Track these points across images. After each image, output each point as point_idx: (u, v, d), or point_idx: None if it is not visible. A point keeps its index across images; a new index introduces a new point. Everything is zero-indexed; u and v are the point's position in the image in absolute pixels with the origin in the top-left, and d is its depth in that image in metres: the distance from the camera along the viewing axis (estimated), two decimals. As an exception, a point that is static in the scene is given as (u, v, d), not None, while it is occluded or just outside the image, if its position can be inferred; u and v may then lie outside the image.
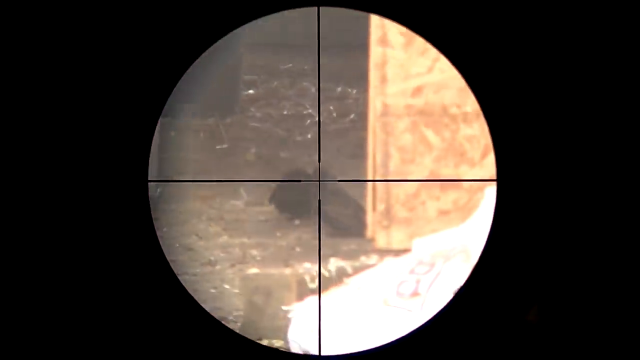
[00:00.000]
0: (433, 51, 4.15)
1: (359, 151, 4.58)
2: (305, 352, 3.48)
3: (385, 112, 4.21)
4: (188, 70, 5.46)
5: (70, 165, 3.08)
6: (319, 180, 4.26)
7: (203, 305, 3.17)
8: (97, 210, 3.06)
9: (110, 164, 3.07)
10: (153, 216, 3.15)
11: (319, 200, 4.11)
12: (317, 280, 3.95)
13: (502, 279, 3.05)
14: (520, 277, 3.04)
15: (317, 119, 5.59)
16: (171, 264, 3.17)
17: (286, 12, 6.38)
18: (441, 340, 3.05)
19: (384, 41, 4.18)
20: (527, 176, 3.02)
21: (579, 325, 3.04)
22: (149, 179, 3.13)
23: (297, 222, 4.58)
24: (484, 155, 4.19)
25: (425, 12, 3.05)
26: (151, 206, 3.21)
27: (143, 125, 3.08)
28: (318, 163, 4.16)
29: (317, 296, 3.50)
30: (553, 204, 3.02)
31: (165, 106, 4.83)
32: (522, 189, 3.01)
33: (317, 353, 3.36)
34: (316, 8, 3.26)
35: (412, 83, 4.19)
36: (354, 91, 5.73)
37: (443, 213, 4.20)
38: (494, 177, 3.02)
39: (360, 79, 4.60)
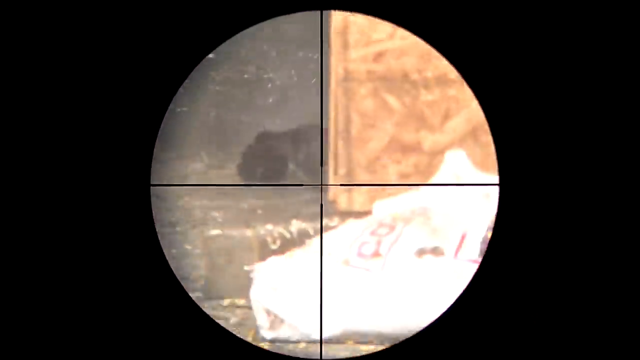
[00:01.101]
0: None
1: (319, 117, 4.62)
2: (267, 311, 3.52)
3: (347, 77, 4.25)
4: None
5: (72, 169, 3.05)
6: (322, 185, 4.30)
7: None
8: (99, 215, 3.04)
9: (112, 168, 3.04)
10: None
11: (321, 205, 4.15)
12: (278, 242, 3.98)
13: (504, 281, 3.08)
14: (523, 279, 3.06)
15: (278, 83, 5.61)
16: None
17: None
18: (443, 341, 3.08)
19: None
20: (529, 180, 3.02)
21: (580, 326, 3.08)
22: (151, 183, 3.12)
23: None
24: (444, 121, 4.24)
25: (431, 17, 3.05)
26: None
27: (145, 128, 3.06)
28: (321, 167, 4.19)
29: (319, 300, 3.53)
30: (555, 207, 3.03)
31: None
32: (525, 192, 3.02)
33: (318, 357, 3.41)
34: (319, 12, 3.27)
35: (373, 49, 4.23)
36: (315, 56, 5.76)
37: (404, 176, 4.25)
38: (497, 182, 3.02)
39: (322, 43, 4.62)
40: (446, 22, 3.08)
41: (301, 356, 3.36)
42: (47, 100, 3.03)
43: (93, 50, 3.02)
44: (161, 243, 3.18)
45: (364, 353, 3.29)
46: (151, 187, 3.07)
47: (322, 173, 4.23)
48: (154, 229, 3.07)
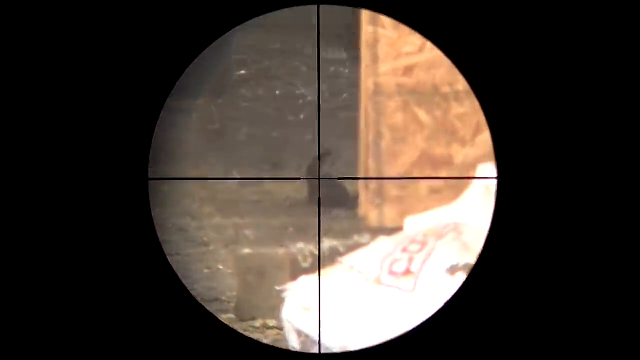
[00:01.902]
0: (424, 30, 4.16)
1: (351, 130, 4.59)
2: (299, 332, 3.49)
3: (377, 91, 4.21)
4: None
5: (69, 163, 3.06)
6: (319, 179, 4.28)
7: (194, 287, 3.17)
8: (97, 209, 3.05)
9: (111, 162, 3.05)
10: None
11: (319, 198, 4.12)
12: (309, 260, 3.96)
13: (502, 277, 3.04)
14: (521, 275, 3.03)
15: (309, 99, 5.59)
16: (163, 245, 3.17)
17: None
18: (440, 338, 3.06)
19: (375, 20, 4.18)
20: (527, 174, 3.01)
21: (578, 325, 3.04)
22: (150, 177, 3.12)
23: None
24: (475, 134, 4.20)
25: (425, 10, 3.04)
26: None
27: (143, 122, 3.06)
28: (318, 161, 4.17)
29: (318, 299, 3.50)
30: (554, 202, 3.02)
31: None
32: (523, 186, 3.00)
33: (317, 351, 3.38)
34: (316, 6, 3.26)
35: (404, 62, 4.19)
36: (346, 71, 5.73)
37: (435, 191, 4.21)
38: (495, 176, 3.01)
39: (353, 58, 4.60)
40: (442, 15, 3.06)
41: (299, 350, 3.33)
42: (44, 96, 3.04)
43: (90, 45, 3.04)
44: (192, 264, 3.18)
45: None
46: (149, 181, 3.09)
47: (320, 166, 4.20)
48: (152, 223, 3.07)
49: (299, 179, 4.59)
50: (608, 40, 3.02)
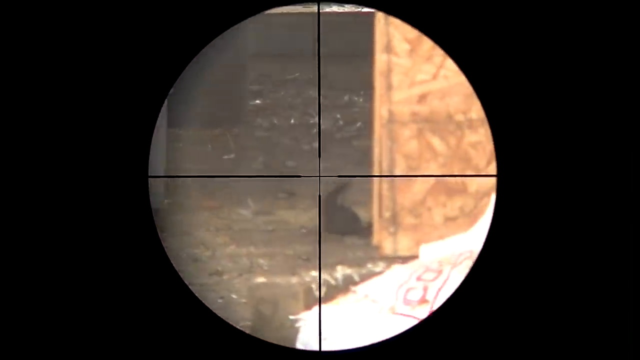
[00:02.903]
0: (438, 58, 4.15)
1: (365, 159, 4.57)
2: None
3: (391, 119, 4.20)
4: (195, 81, 5.45)
5: (69, 161, 3.07)
6: (319, 176, 4.26)
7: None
8: (98, 207, 3.05)
9: (111, 160, 3.05)
10: (159, 226, 3.15)
11: (319, 196, 4.11)
12: (324, 289, 3.93)
13: (501, 276, 3.03)
14: (521, 273, 3.03)
15: (324, 127, 5.58)
16: (180, 274, 3.16)
17: (291, 20, 6.38)
18: (441, 336, 3.04)
19: (388, 48, 4.17)
20: (528, 173, 3.00)
21: (579, 323, 3.02)
22: (150, 174, 3.12)
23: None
24: (489, 162, 4.18)
25: (423, 7, 3.04)
26: (158, 217, 3.20)
27: (143, 120, 3.07)
28: (318, 158, 4.16)
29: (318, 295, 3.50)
30: (554, 201, 3.01)
31: (172, 117, 4.84)
32: (523, 185, 3.00)
33: (317, 349, 3.36)
34: (316, 4, 3.26)
35: (417, 90, 4.18)
36: (360, 99, 5.73)
37: (449, 219, 4.18)
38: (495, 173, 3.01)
39: (366, 86, 4.59)
40: (440, 10, 3.06)
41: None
42: (44, 94, 3.05)
43: (90, 43, 3.05)
44: (206, 294, 3.17)
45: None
46: (149, 178, 3.09)
47: (320, 164, 4.19)
48: (152, 219, 3.07)
49: (299, 176, 4.58)
50: (607, 41, 3.02)
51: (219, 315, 3.19)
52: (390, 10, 3.11)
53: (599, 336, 3.02)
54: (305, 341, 3.50)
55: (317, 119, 5.68)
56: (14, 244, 3.06)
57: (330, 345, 3.44)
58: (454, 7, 3.05)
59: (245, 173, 5.38)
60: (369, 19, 4.32)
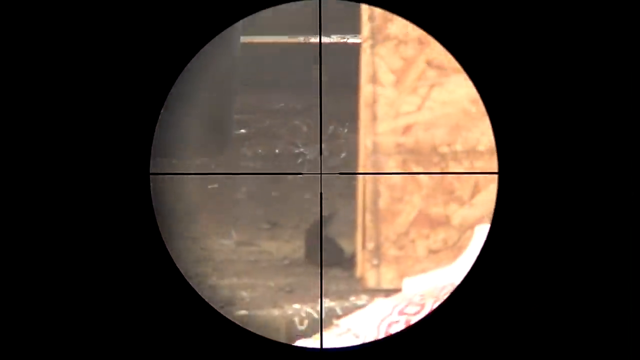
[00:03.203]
0: (423, 89, 4.13)
1: (349, 191, 4.55)
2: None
3: (376, 150, 4.17)
4: (179, 111, 5.42)
5: (70, 159, 3.07)
6: (320, 174, 4.24)
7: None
8: (98, 204, 3.05)
9: (112, 157, 3.05)
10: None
11: (321, 194, 4.09)
12: (306, 322, 3.90)
13: (502, 275, 3.02)
14: (522, 272, 3.02)
15: (309, 157, 5.56)
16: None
17: (274, 50, 6.35)
18: (442, 334, 3.05)
19: (374, 79, 4.16)
20: (529, 170, 3.00)
21: (580, 324, 3.01)
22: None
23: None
24: (473, 194, 4.15)
25: (426, 5, 3.03)
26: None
27: (145, 116, 3.06)
28: (320, 156, 4.15)
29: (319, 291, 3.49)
30: (556, 198, 3.01)
31: (156, 147, 4.79)
32: (524, 183, 3.00)
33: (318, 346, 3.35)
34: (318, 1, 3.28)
35: (402, 121, 4.16)
36: (345, 130, 5.71)
37: (433, 252, 4.16)
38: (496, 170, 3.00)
39: (351, 117, 4.58)
40: (443, 7, 3.06)
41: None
42: (45, 92, 3.05)
43: (91, 41, 3.05)
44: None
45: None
46: (150, 175, 3.09)
47: (321, 162, 4.17)
48: (154, 219, 3.06)
49: (300, 174, 4.56)
50: (610, 38, 3.02)
51: (223, 313, 3.19)
52: (392, 9, 3.10)
53: (601, 339, 3.01)
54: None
55: (302, 149, 5.67)
56: (12, 241, 3.05)
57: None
58: (457, 5, 3.04)
59: (229, 203, 5.35)
60: (355, 50, 4.31)
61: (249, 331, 3.24)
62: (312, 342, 3.53)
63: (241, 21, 6.21)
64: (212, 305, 3.23)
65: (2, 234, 3.02)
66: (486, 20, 3.03)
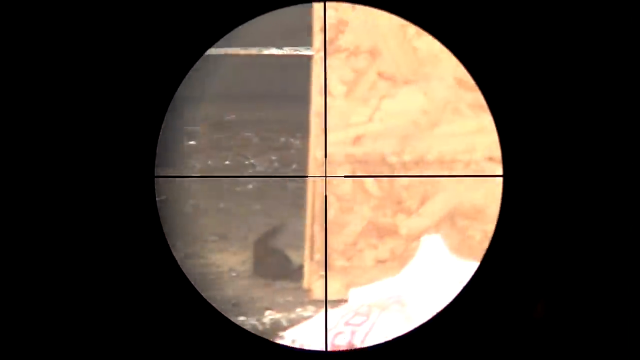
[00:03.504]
0: (374, 101, 4.12)
1: (299, 201, 4.52)
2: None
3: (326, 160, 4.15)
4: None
5: (76, 161, 3.05)
6: (325, 176, 4.21)
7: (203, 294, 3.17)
8: (102, 207, 3.03)
9: (117, 160, 3.04)
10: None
11: (325, 196, 4.07)
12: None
13: (507, 275, 3.03)
14: (526, 274, 3.02)
15: (258, 169, 5.53)
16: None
17: (232, 62, 6.33)
18: (447, 336, 3.05)
19: (324, 90, 4.14)
20: (533, 171, 3.00)
21: (585, 323, 3.00)
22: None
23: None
24: (421, 204, 4.14)
25: (425, 4, 3.02)
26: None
27: (150, 119, 3.05)
28: (324, 158, 4.12)
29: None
30: (560, 200, 3.01)
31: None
32: (529, 185, 3.00)
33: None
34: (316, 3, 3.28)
35: (352, 132, 4.14)
36: (297, 141, 5.68)
37: (380, 262, 4.13)
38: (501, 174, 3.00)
39: (302, 128, 4.56)
40: (448, 10, 3.05)
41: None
42: (50, 94, 3.04)
43: (97, 42, 3.05)
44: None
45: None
46: (155, 178, 3.09)
47: (326, 165, 4.15)
48: (159, 220, 3.05)
49: (305, 176, 4.53)
50: (612, 40, 3.02)
51: (226, 315, 3.17)
52: (391, 9, 3.08)
53: (603, 339, 3.01)
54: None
55: (252, 160, 5.64)
56: (18, 241, 3.02)
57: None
58: (458, 5, 3.04)
59: (178, 216, 5.30)
60: (307, 62, 4.29)
61: (253, 334, 3.24)
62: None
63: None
64: (215, 307, 3.23)
65: (8, 234, 3.02)
66: (491, 24, 3.02)
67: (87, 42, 3.03)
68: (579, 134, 3.03)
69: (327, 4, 3.94)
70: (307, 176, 4.56)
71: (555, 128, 3.04)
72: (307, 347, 3.47)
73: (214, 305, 3.30)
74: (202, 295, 3.19)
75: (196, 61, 3.11)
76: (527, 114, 3.04)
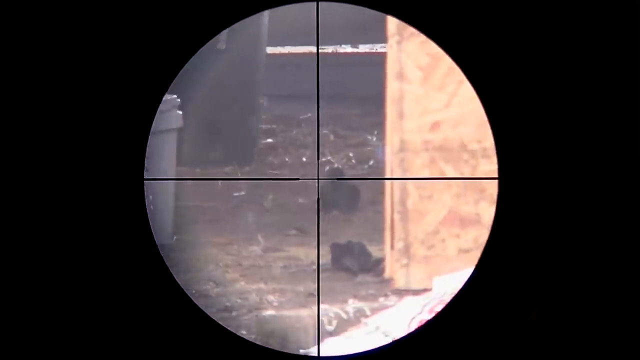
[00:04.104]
0: (451, 86, 4.09)
1: (377, 189, 4.52)
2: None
3: (403, 147, 4.12)
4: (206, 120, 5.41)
5: (65, 163, 3.05)
6: (318, 179, 4.21)
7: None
8: (93, 209, 3.03)
9: (107, 162, 3.04)
10: (168, 264, 3.12)
11: (318, 199, 4.06)
12: (334, 322, 3.85)
13: (504, 278, 2.99)
14: (523, 276, 2.98)
15: (336, 166, 5.53)
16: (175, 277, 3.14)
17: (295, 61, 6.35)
18: (443, 340, 2.99)
19: (400, 76, 4.11)
20: (529, 174, 2.97)
21: (582, 325, 2.97)
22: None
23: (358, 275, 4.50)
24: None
25: (424, 8, 3.00)
26: (166, 254, 3.16)
27: (139, 122, 3.05)
28: (317, 161, 4.12)
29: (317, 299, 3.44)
30: (556, 203, 2.97)
31: (183, 154, 4.79)
32: (524, 187, 2.96)
33: (316, 354, 3.30)
34: (315, 4, 3.26)
35: (430, 118, 4.11)
36: (374, 138, 5.68)
37: (463, 251, 4.09)
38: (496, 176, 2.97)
39: (379, 124, 4.55)
40: (444, 13, 3.03)
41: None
42: (41, 96, 3.04)
43: (86, 45, 3.04)
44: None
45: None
46: (145, 181, 3.08)
47: (318, 167, 4.14)
48: (147, 222, 3.05)
49: (297, 179, 4.53)
50: (608, 41, 2.99)
51: (219, 322, 3.16)
52: (391, 11, 3.07)
53: (604, 340, 2.97)
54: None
55: (329, 157, 5.65)
56: (7, 244, 3.04)
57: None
58: (458, 9, 3.02)
59: (255, 211, 5.33)
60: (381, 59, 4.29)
61: (249, 341, 3.23)
62: (341, 340, 3.49)
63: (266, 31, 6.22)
64: (206, 312, 3.23)
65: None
66: (487, 27, 3.00)
67: (76, 44, 3.01)
68: (576, 138, 2.98)
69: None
70: (298, 179, 4.55)
71: (552, 131, 2.99)
72: (391, 333, 3.45)
73: (205, 311, 3.30)
74: (192, 301, 3.19)
75: (186, 63, 3.09)
76: (523, 116, 3.00)
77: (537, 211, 2.99)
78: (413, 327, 3.44)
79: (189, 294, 3.09)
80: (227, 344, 3.07)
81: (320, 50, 6.44)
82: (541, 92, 3.00)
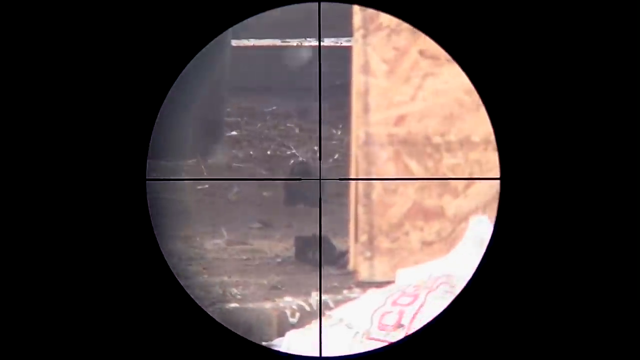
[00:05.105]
0: (416, 80, 4.09)
1: (342, 189, 4.52)
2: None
3: (368, 141, 4.13)
4: (171, 114, 5.41)
5: (66, 164, 3.05)
6: (320, 179, 4.22)
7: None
8: (94, 210, 3.03)
9: (108, 163, 3.04)
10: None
11: (320, 199, 4.08)
12: (297, 315, 3.86)
13: (505, 277, 3.03)
14: (525, 276, 2.99)
15: (300, 159, 5.53)
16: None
17: (261, 53, 6.33)
18: (443, 340, 3.02)
19: (366, 69, 4.11)
20: (530, 174, 2.99)
21: (582, 325, 2.99)
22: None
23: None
24: (468, 185, 4.11)
25: (424, 6, 3.02)
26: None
27: (141, 122, 3.05)
28: (319, 161, 4.13)
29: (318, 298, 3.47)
30: (557, 203, 3.00)
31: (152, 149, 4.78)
32: (526, 187, 2.98)
33: (317, 354, 3.30)
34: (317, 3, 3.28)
35: (395, 111, 4.11)
36: (339, 132, 5.69)
37: (427, 244, 4.11)
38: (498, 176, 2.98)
39: (344, 118, 4.55)
40: (444, 12, 3.05)
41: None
42: (41, 97, 3.05)
43: (87, 45, 3.04)
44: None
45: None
46: (147, 181, 3.09)
47: (320, 167, 4.16)
48: (150, 222, 3.07)
49: (300, 179, 4.54)
50: (611, 43, 3.01)
51: (217, 319, 3.18)
52: (391, 10, 3.09)
53: (604, 340, 2.99)
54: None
55: (294, 150, 5.65)
56: (7, 244, 3.03)
57: None
58: (456, 7, 3.03)
59: (220, 203, 5.32)
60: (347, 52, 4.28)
61: (249, 340, 3.25)
62: (303, 333, 3.50)
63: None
64: (204, 308, 3.24)
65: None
66: (489, 27, 3.02)
67: (78, 44, 3.01)
68: (578, 137, 3.02)
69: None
70: (300, 179, 4.56)
71: (553, 131, 3.02)
72: (354, 326, 3.46)
73: (205, 310, 3.31)
74: (194, 300, 3.19)
75: (187, 63, 3.10)
76: (524, 117, 3.02)
77: (538, 211, 3.01)
78: (376, 320, 3.45)
79: (190, 294, 3.10)
80: (226, 342, 3.09)
81: (283, 44, 6.43)
82: (543, 91, 3.02)
